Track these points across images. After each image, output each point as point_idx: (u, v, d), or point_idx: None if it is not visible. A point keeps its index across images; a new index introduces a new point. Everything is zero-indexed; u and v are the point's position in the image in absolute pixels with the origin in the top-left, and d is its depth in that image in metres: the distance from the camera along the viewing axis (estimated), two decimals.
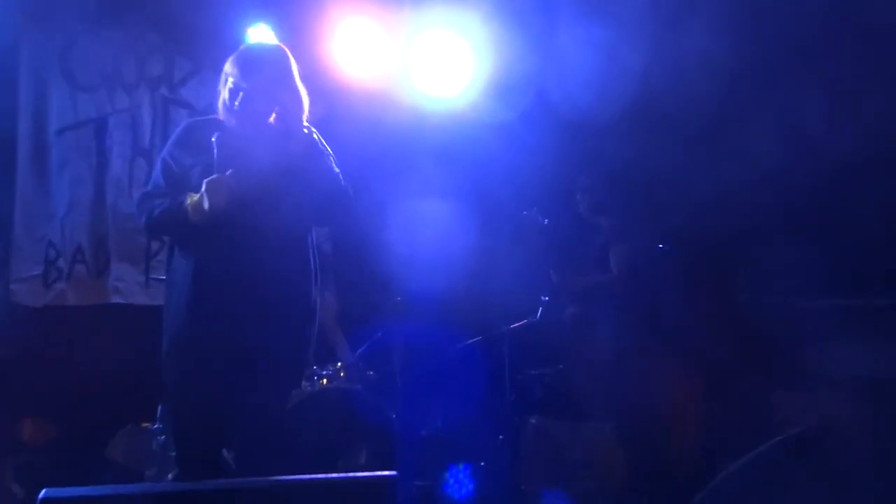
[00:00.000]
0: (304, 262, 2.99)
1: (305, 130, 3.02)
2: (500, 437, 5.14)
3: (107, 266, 5.21)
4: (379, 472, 2.01)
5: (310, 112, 5.83)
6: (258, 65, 2.94)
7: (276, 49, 3.09)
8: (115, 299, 5.14)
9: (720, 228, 4.59)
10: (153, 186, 3.00)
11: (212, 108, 5.57)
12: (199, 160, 2.88)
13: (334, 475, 2.00)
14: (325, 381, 4.69)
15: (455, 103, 5.43)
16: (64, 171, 5.14)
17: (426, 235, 5.28)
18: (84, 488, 1.83)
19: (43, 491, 1.76)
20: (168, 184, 2.94)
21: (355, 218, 3.14)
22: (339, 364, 4.85)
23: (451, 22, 5.32)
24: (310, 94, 5.68)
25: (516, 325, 5.17)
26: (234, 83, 2.92)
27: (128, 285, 5.17)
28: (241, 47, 3.10)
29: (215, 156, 2.77)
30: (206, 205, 2.71)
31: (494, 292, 5.30)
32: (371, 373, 4.94)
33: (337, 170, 3.04)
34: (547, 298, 5.12)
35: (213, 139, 2.81)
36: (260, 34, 5.40)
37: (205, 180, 2.75)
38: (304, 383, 4.68)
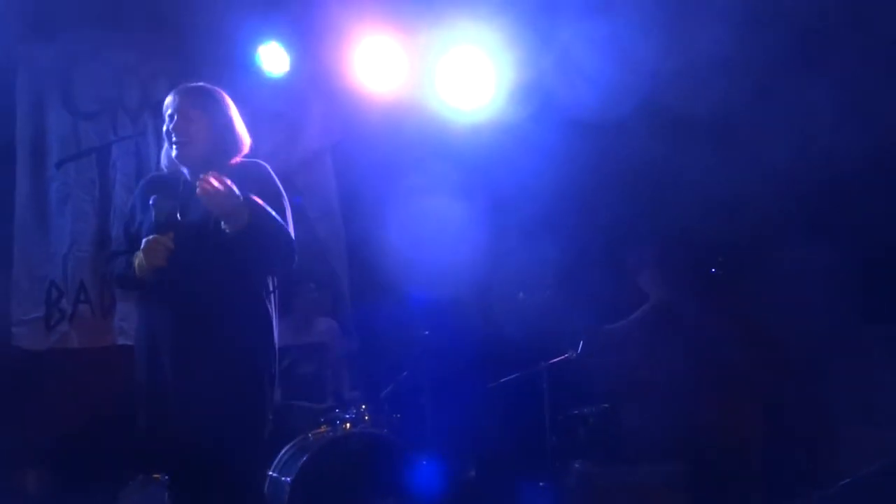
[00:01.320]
0: (254, 305, 3.18)
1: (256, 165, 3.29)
2: (541, 484, 5.12)
3: (112, 305, 5.30)
4: None
5: (330, 128, 5.97)
6: (177, 99, 3.17)
7: (198, 87, 3.28)
8: (122, 340, 5.21)
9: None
10: (115, 244, 3.38)
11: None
12: (147, 216, 3.10)
13: None
14: (348, 425, 4.70)
15: (477, 115, 5.51)
16: (65, 205, 5.25)
17: (450, 255, 5.34)
18: None
19: None
20: (128, 240, 3.22)
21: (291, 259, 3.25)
22: (363, 407, 4.86)
23: (470, 36, 5.42)
24: (328, 111, 5.84)
25: (555, 360, 5.17)
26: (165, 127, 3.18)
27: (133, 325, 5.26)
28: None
29: (153, 217, 3.01)
30: (144, 265, 3.00)
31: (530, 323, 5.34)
32: (397, 415, 4.95)
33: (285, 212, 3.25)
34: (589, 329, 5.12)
35: (150, 202, 3.02)
36: (271, 53, 5.54)
37: (143, 241, 3.01)
38: (324, 427, 4.72)
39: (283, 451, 4.62)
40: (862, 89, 4.35)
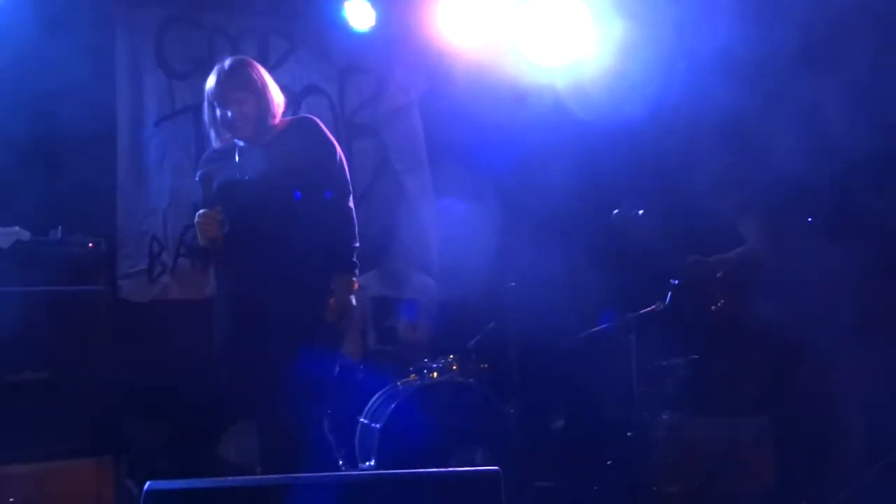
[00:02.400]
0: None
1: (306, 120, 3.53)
2: (629, 434, 5.14)
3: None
4: (483, 468, 2.09)
5: (417, 81, 5.97)
6: (219, 87, 3.38)
7: (234, 67, 3.44)
8: None
9: None
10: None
11: (310, 88, 5.90)
12: (207, 185, 3.34)
13: (436, 470, 2.10)
14: (435, 374, 4.81)
15: (568, 74, 5.45)
16: (164, 162, 5.49)
17: (532, 215, 5.35)
18: (187, 481, 2.01)
19: (147, 484, 1.95)
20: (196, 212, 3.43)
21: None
22: (451, 357, 4.97)
23: None
24: (413, 66, 5.87)
25: (643, 311, 5.15)
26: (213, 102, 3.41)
27: None
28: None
29: (202, 193, 3.28)
30: (200, 240, 3.27)
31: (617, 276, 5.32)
32: (485, 365, 5.03)
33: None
34: (676, 282, 5.07)
35: (196, 178, 3.34)
36: (357, 8, 5.61)
37: (197, 214, 3.27)
38: (413, 376, 4.85)
39: (373, 399, 4.77)
40: (873, 88, 4.34)
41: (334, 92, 6.00)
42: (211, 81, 3.40)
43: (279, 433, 3.24)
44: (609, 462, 5.10)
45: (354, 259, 3.40)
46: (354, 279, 3.38)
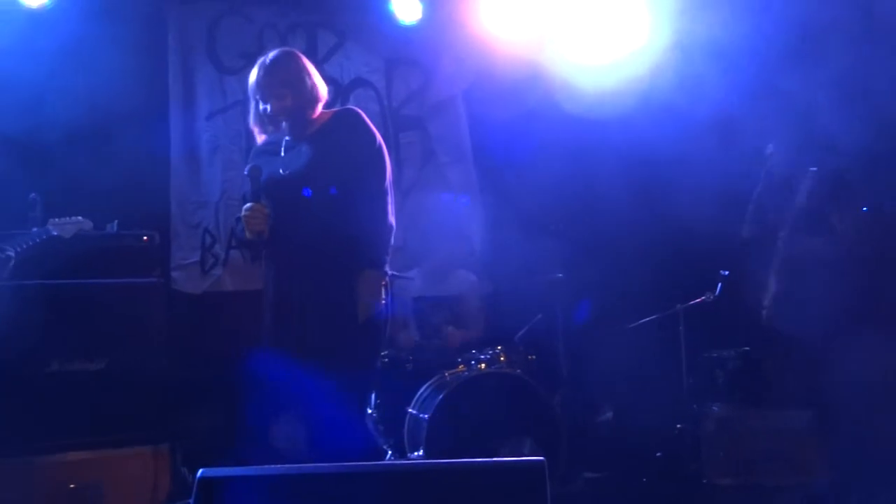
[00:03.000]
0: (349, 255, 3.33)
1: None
2: (679, 426, 5.12)
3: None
4: (528, 458, 2.10)
5: (462, 74, 5.95)
6: (262, 82, 3.40)
7: (276, 60, 3.45)
8: None
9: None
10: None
11: (357, 81, 5.95)
12: (254, 175, 3.37)
13: (481, 460, 2.12)
14: (483, 365, 4.83)
15: (616, 72, 5.43)
16: (215, 155, 5.57)
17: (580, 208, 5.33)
18: (240, 468, 2.05)
19: (200, 471, 2.00)
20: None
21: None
22: (499, 348, 4.98)
23: None
24: (459, 58, 5.87)
25: (692, 302, 5.12)
26: (257, 97, 3.43)
27: None
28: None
29: (250, 186, 3.32)
30: (246, 234, 3.32)
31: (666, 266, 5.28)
32: (532, 357, 5.04)
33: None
34: (727, 273, 5.03)
35: (245, 172, 3.36)
36: (404, 1, 5.64)
37: (244, 208, 3.32)
38: (461, 367, 4.87)
39: (421, 390, 4.81)
40: (863, 81, 4.39)
41: (382, 84, 6.03)
42: (253, 76, 3.43)
43: (319, 424, 3.30)
44: (658, 454, 5.09)
45: (383, 255, 3.37)
46: (382, 276, 3.36)
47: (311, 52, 5.68)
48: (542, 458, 2.05)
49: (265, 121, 3.43)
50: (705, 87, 4.95)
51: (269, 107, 3.36)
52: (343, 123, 3.43)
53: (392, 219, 3.42)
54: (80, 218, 4.27)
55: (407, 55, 6.06)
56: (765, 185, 4.84)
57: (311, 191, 3.30)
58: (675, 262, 5.39)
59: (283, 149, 3.45)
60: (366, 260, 3.32)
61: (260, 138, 3.56)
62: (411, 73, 6.10)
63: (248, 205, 3.30)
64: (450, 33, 5.96)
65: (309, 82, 3.42)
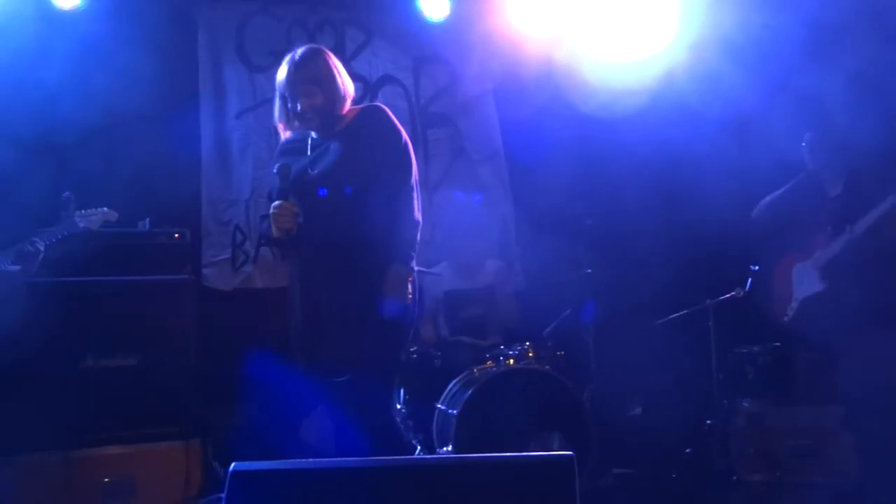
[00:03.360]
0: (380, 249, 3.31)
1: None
2: (708, 422, 5.09)
3: None
4: (557, 453, 2.11)
5: (492, 71, 5.89)
6: (290, 78, 3.38)
7: (305, 57, 3.43)
8: None
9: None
10: (266, 208, 3.50)
11: (386, 79, 5.97)
12: (282, 172, 3.34)
13: (510, 454, 2.12)
14: (511, 361, 4.84)
15: (645, 70, 5.40)
16: (246, 153, 5.62)
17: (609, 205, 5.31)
18: (271, 462, 2.07)
19: (232, 465, 2.02)
20: (271, 203, 3.42)
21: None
22: (528, 343, 4.98)
23: None
24: (488, 55, 5.87)
25: (722, 297, 5.08)
26: (285, 93, 3.40)
27: None
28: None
29: (279, 185, 3.29)
30: (273, 232, 3.29)
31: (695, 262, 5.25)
32: (561, 352, 5.03)
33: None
34: (757, 268, 4.99)
35: (274, 170, 3.31)
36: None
37: (272, 206, 3.29)
38: (489, 363, 4.88)
39: (450, 385, 4.82)
40: (877, 80, 4.35)
41: (410, 82, 6.05)
42: (282, 73, 3.40)
43: (346, 421, 3.31)
44: (687, 450, 5.06)
45: (409, 251, 3.35)
46: (409, 272, 3.34)
47: (340, 49, 5.71)
48: (570, 452, 2.05)
49: (292, 118, 3.41)
50: (724, 82, 4.90)
51: (298, 104, 3.34)
52: (369, 120, 3.42)
53: (418, 214, 3.40)
54: (105, 209, 4.30)
55: (435, 52, 6.07)
56: (799, 179, 4.80)
57: (327, 190, 3.30)
58: (705, 258, 5.35)
59: (309, 147, 3.45)
60: (391, 256, 3.31)
61: (284, 134, 3.55)
62: (439, 71, 6.11)
63: (277, 203, 3.28)
64: (477, 31, 5.96)
65: (338, 80, 3.40)
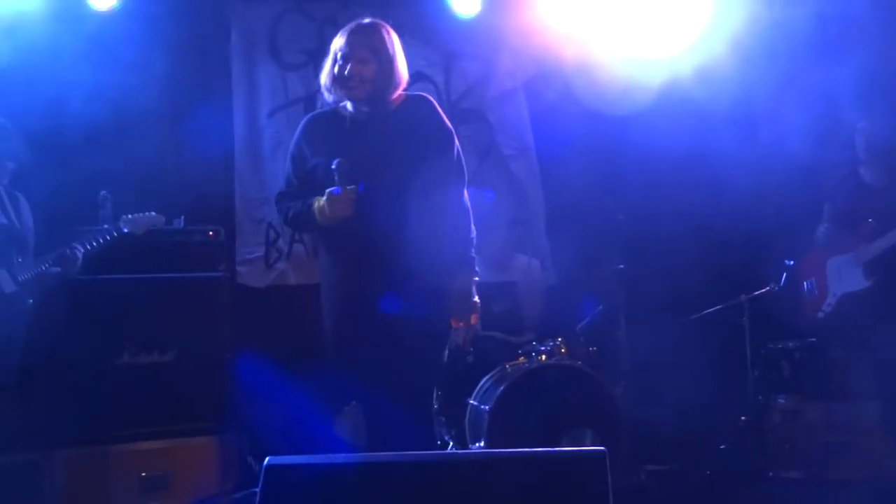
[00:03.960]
0: (434, 236, 3.19)
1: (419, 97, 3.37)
2: (743, 418, 5.04)
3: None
4: (588, 448, 2.10)
5: (522, 66, 5.85)
6: (349, 40, 3.20)
7: (367, 26, 3.29)
8: None
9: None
10: (287, 185, 3.40)
11: (416, 76, 5.98)
12: (321, 159, 3.20)
13: (542, 450, 2.12)
14: (543, 357, 4.82)
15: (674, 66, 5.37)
16: (278, 151, 5.64)
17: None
18: (306, 457, 2.08)
19: (267, 459, 2.03)
20: (300, 181, 3.33)
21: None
22: (560, 339, 4.96)
23: None
24: (518, 51, 5.86)
25: (757, 293, 5.03)
26: (338, 55, 3.22)
27: None
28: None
29: (336, 180, 3.10)
30: (328, 214, 3.12)
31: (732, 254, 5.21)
32: (593, 348, 5.01)
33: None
34: (792, 263, 4.94)
35: (333, 166, 3.12)
36: None
37: (326, 192, 3.12)
38: (522, 359, 4.87)
39: (482, 381, 4.82)
40: (886, 75, 4.34)
41: (440, 79, 6.05)
42: (342, 35, 3.22)
43: (383, 420, 3.22)
44: (722, 447, 5.02)
45: (473, 254, 3.29)
46: (476, 276, 3.28)
47: None
48: (602, 448, 2.04)
49: (337, 82, 3.20)
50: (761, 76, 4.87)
51: (348, 68, 3.14)
52: (421, 111, 3.28)
53: (469, 205, 3.32)
54: (152, 213, 4.34)
55: (465, 49, 6.06)
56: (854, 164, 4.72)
57: (374, 182, 3.13)
58: (739, 253, 5.31)
59: (349, 123, 3.25)
60: (458, 260, 3.24)
61: (328, 97, 3.33)
62: (470, 67, 6.10)
63: (337, 189, 3.08)
64: (508, 26, 5.94)
65: (396, 59, 3.22)
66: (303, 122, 3.44)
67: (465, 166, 3.36)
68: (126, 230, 4.23)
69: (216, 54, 5.59)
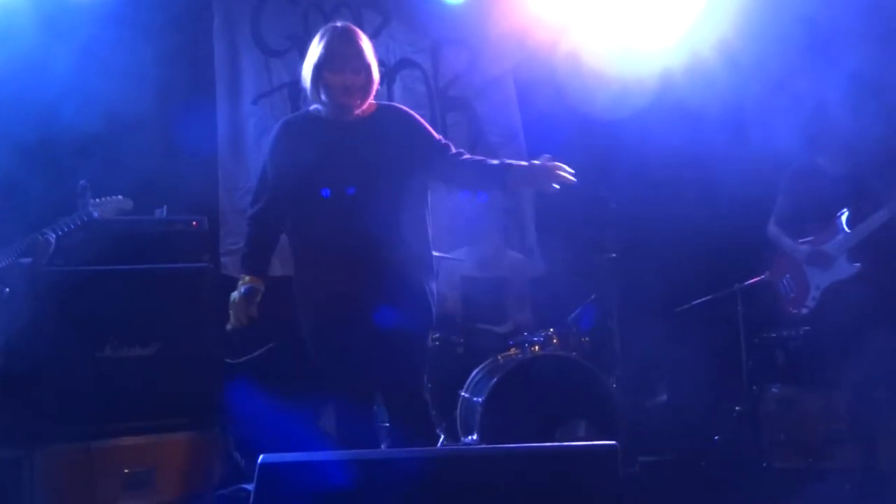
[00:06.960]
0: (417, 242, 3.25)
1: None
2: (737, 408, 5.00)
3: None
4: (600, 443, 2.03)
5: (510, 53, 5.78)
6: (344, 43, 3.20)
7: (354, 29, 3.28)
8: None
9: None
10: (255, 195, 3.39)
11: (404, 62, 5.87)
12: (297, 158, 3.21)
13: (552, 444, 2.05)
14: (536, 347, 4.76)
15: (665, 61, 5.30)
16: (262, 139, 5.51)
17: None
18: (300, 454, 2.01)
19: (261, 457, 1.96)
20: (267, 189, 3.33)
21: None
22: (552, 330, 4.89)
23: None
24: (506, 37, 5.77)
25: (750, 281, 4.97)
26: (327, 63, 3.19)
27: None
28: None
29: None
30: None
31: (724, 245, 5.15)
32: (586, 339, 4.94)
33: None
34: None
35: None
36: None
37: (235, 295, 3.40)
38: (514, 350, 4.79)
39: (474, 373, 4.75)
40: (875, 80, 4.29)
41: (428, 65, 5.96)
42: (322, 46, 3.18)
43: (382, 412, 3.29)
44: (716, 437, 4.97)
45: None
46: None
47: None
48: (614, 442, 1.97)
49: (331, 94, 3.17)
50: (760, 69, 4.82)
51: (346, 78, 3.14)
52: (401, 118, 3.31)
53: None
54: (119, 197, 4.24)
55: (453, 35, 5.97)
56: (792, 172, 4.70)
57: (355, 188, 3.14)
58: (733, 241, 5.24)
59: (327, 135, 3.23)
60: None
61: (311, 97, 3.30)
62: (458, 53, 6.02)
63: (242, 306, 3.40)
64: (496, 12, 5.84)
65: (374, 63, 3.24)
66: (277, 127, 3.38)
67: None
68: (96, 215, 4.11)
69: (198, 41, 5.47)
